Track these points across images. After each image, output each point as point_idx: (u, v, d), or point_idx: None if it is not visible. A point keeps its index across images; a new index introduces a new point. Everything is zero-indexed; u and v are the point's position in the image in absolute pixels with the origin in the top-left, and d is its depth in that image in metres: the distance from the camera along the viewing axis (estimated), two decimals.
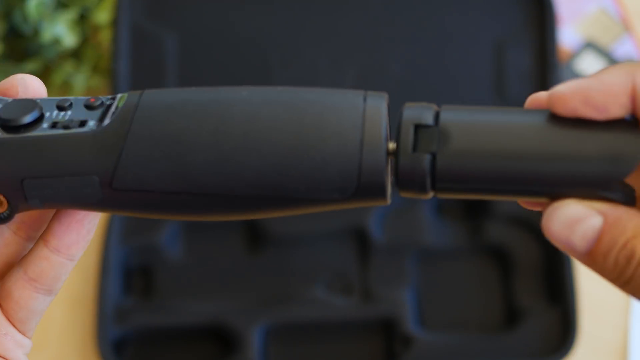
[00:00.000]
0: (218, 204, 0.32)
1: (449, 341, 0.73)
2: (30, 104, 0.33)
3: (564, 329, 0.72)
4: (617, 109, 0.30)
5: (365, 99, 0.32)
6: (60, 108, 0.34)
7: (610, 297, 0.75)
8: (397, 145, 0.31)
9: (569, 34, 0.85)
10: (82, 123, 0.33)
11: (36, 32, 0.79)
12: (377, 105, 0.32)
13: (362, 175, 0.31)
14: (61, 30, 0.78)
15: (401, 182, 0.31)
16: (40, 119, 0.33)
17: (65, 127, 0.33)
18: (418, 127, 0.31)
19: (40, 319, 0.37)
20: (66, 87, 0.82)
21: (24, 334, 0.36)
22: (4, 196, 0.33)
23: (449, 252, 0.77)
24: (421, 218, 0.77)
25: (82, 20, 0.82)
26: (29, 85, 0.35)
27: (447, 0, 0.80)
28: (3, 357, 0.36)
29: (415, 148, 0.31)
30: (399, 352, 0.73)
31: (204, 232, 0.78)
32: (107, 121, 0.33)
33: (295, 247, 0.77)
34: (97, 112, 0.33)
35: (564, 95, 0.30)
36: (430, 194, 0.32)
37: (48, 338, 0.76)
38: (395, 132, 0.32)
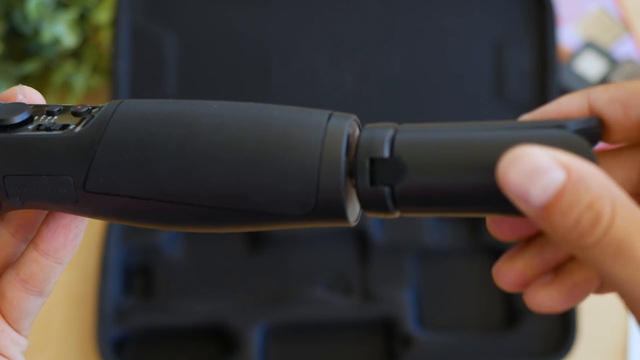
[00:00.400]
0: (184, 213, 0.33)
1: (449, 341, 0.73)
2: (20, 106, 0.35)
3: (564, 329, 0.72)
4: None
5: (329, 118, 0.32)
6: (50, 113, 0.35)
7: (610, 297, 0.75)
8: (355, 175, 0.31)
9: (569, 34, 0.85)
10: (64, 127, 0.34)
11: (36, 32, 0.79)
12: (340, 125, 0.32)
13: (320, 191, 0.31)
14: (61, 30, 0.78)
15: (364, 205, 0.32)
16: (28, 121, 0.35)
17: (47, 129, 0.34)
18: (374, 160, 0.31)
19: (35, 319, 0.38)
20: (66, 87, 0.82)
21: (18, 332, 0.37)
22: None
23: (449, 252, 0.77)
24: (421, 218, 0.77)
25: (82, 20, 0.82)
26: (27, 94, 0.36)
27: (447, 0, 0.80)
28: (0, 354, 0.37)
29: (372, 181, 0.31)
30: (399, 352, 0.73)
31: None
32: (85, 126, 0.34)
33: (295, 247, 0.77)
34: (80, 118, 0.35)
35: (527, 118, 0.33)
36: (397, 214, 0.32)
37: (48, 338, 0.76)
38: (352, 160, 0.32)
